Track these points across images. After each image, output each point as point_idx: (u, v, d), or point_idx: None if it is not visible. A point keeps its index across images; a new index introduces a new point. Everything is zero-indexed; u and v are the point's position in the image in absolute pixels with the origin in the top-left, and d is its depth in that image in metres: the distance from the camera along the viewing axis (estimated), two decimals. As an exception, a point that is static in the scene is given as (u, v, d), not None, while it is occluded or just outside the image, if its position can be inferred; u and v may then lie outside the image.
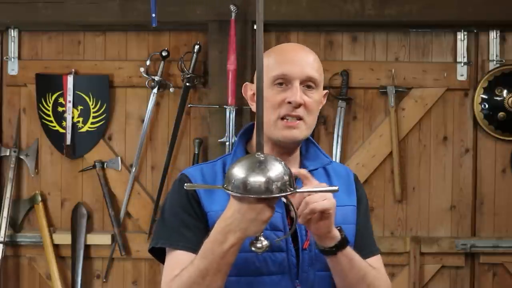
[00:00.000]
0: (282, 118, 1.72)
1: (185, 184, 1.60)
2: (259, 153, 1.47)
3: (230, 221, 1.51)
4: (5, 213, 4.00)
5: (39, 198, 4.07)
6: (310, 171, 1.75)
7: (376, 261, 1.83)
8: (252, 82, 1.76)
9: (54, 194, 4.12)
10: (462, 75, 3.96)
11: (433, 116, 4.01)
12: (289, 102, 1.71)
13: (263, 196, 1.44)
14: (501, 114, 3.95)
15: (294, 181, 1.49)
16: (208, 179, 1.76)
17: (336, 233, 1.63)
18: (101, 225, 4.11)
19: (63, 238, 4.05)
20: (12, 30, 4.08)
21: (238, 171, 1.45)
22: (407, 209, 4.01)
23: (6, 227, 3.99)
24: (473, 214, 4.01)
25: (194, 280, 1.58)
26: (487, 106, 3.96)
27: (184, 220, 1.72)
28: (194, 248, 1.65)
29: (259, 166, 1.45)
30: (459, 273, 4.00)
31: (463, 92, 3.99)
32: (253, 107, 1.75)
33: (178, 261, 1.67)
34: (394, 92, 3.93)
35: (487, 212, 4.00)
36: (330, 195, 1.59)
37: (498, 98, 3.96)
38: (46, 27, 4.08)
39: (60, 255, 4.08)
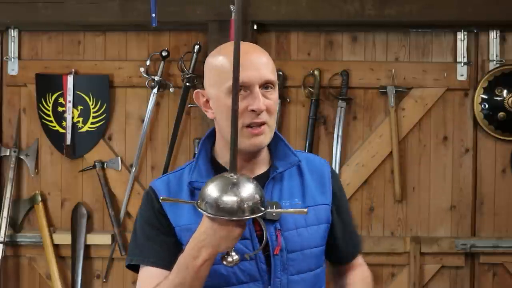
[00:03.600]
0: (247, 126, 1.68)
1: (160, 198, 1.63)
2: (232, 174, 1.52)
3: (203, 238, 1.54)
4: (5, 213, 4.00)
5: (39, 198, 4.07)
6: (280, 173, 1.75)
7: (360, 264, 1.90)
8: (203, 88, 1.75)
9: (54, 194, 4.12)
10: (462, 75, 3.96)
11: (433, 116, 4.01)
12: (253, 110, 1.66)
13: (234, 219, 1.49)
14: (501, 114, 3.95)
15: (264, 200, 1.53)
16: (173, 192, 1.74)
17: None
18: (101, 225, 4.12)
19: (63, 238, 4.05)
20: (12, 30, 4.08)
21: (212, 191, 1.51)
22: (407, 209, 4.01)
23: (6, 227, 4.00)
24: (473, 214, 4.01)
25: None
26: (487, 106, 3.96)
27: (152, 236, 1.73)
28: (163, 263, 1.68)
29: (232, 187, 1.50)
30: (459, 273, 4.00)
31: (463, 92, 3.99)
32: (208, 114, 1.75)
33: (150, 276, 1.74)
34: (394, 92, 3.93)
35: (487, 212, 4.00)
36: None
37: (498, 98, 3.96)
38: (46, 27, 4.08)
39: (60, 255, 4.08)
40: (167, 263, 1.65)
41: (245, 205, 1.50)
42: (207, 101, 1.74)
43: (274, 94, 1.71)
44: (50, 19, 3.97)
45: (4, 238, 3.99)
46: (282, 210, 1.67)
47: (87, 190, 4.12)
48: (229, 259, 1.55)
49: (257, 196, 1.51)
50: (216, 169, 1.75)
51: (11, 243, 4.07)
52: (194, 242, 1.56)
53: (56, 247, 4.05)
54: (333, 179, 1.84)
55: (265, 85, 1.69)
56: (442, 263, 3.98)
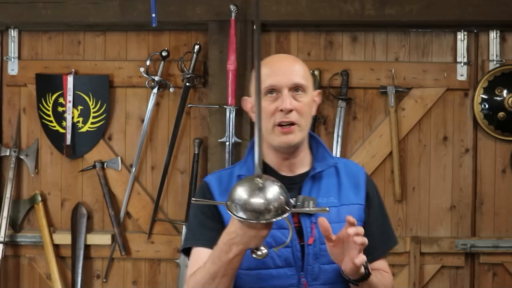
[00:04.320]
0: (278, 125, 1.89)
1: (192, 199, 1.86)
2: (258, 178, 1.66)
3: (233, 236, 1.71)
4: (5, 213, 4.00)
5: (39, 198, 4.07)
6: (319, 172, 1.95)
7: (384, 267, 2.00)
8: (249, 96, 2.00)
9: (54, 194, 4.12)
10: (462, 75, 3.96)
11: (433, 116, 4.01)
12: (281, 110, 1.88)
13: (261, 222, 1.64)
14: (501, 114, 3.95)
15: (289, 201, 1.68)
16: (223, 185, 1.95)
17: (362, 270, 1.80)
18: (101, 225, 4.12)
19: (63, 238, 4.05)
20: (12, 30, 4.08)
21: (240, 194, 1.66)
22: (407, 209, 4.01)
23: (6, 227, 3.99)
24: (473, 214, 4.01)
25: (205, 281, 1.79)
26: (487, 106, 3.96)
27: (204, 222, 1.94)
28: (212, 244, 1.81)
29: (259, 191, 1.64)
30: (459, 273, 4.00)
31: (463, 92, 4.00)
32: (252, 118, 1.92)
33: (199, 256, 1.89)
34: (394, 92, 3.93)
35: (487, 212, 4.00)
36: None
37: (498, 98, 3.96)
38: (46, 27, 4.08)
39: (60, 255, 4.08)
40: (214, 244, 1.82)
41: (271, 207, 1.64)
42: (252, 106, 1.96)
43: (304, 98, 1.92)
44: (50, 19, 3.97)
45: (4, 238, 3.99)
46: (306, 209, 1.84)
47: (87, 190, 4.12)
48: (259, 253, 1.69)
49: (281, 198, 1.65)
50: (263, 167, 1.91)
51: (11, 243, 4.07)
52: (226, 238, 1.73)
53: (56, 247, 4.05)
54: (368, 182, 2.02)
55: (295, 88, 1.91)
56: (442, 263, 3.98)
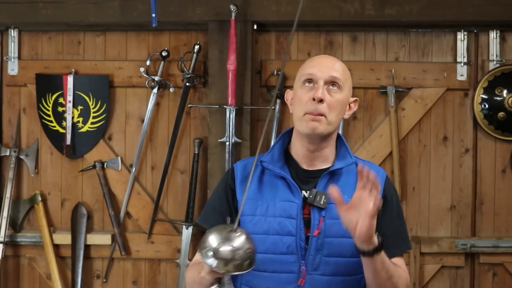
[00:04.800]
0: (308, 113, 1.99)
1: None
2: (230, 231, 1.80)
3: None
4: (5, 213, 4.00)
5: (39, 198, 4.07)
6: (337, 170, 2.05)
7: (397, 261, 2.02)
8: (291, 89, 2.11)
9: (54, 194, 4.12)
10: (462, 75, 3.96)
11: (433, 116, 4.01)
12: (313, 99, 1.97)
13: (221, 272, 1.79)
14: (501, 114, 3.95)
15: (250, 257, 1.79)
16: (248, 171, 2.06)
17: (375, 239, 1.84)
18: (101, 225, 4.12)
19: (63, 238, 4.05)
20: (12, 30, 4.08)
21: (210, 241, 1.78)
22: (407, 209, 4.01)
23: (6, 227, 3.99)
24: (473, 214, 4.01)
25: (190, 281, 1.99)
26: (487, 106, 3.96)
27: (216, 205, 2.09)
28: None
29: (228, 241, 1.78)
30: (459, 273, 4.00)
31: (463, 92, 4.00)
32: (290, 109, 2.09)
33: None
34: (394, 92, 3.93)
35: (487, 212, 4.00)
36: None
37: (498, 98, 3.96)
38: (46, 27, 4.08)
39: (60, 255, 4.08)
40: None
41: (237, 257, 1.77)
42: (292, 98, 2.08)
43: (338, 94, 2.02)
44: (50, 19, 3.97)
45: (4, 238, 3.99)
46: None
47: (87, 190, 4.12)
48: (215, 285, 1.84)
49: (248, 250, 1.79)
50: (286, 158, 2.08)
51: (11, 243, 4.07)
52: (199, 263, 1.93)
53: (56, 247, 4.05)
54: (386, 185, 2.07)
55: (331, 82, 2.01)
56: (442, 263, 3.98)
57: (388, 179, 2.10)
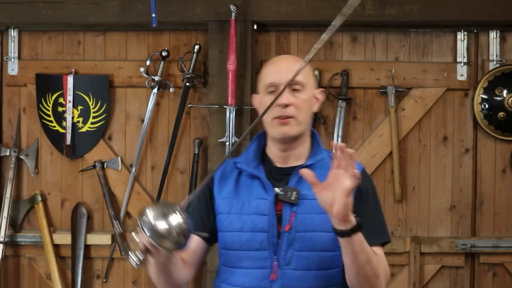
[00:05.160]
0: (276, 118, 2.03)
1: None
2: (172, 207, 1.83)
3: None
4: (5, 213, 4.00)
5: (39, 198, 4.07)
6: (309, 166, 2.06)
7: (376, 249, 2.00)
8: (257, 93, 2.16)
9: (54, 194, 4.12)
10: (462, 75, 3.96)
11: (433, 116, 4.01)
12: (279, 105, 2.00)
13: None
14: (501, 114, 3.95)
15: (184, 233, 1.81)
16: (227, 172, 2.13)
17: (353, 218, 1.82)
18: (101, 225, 4.12)
19: (63, 238, 4.05)
20: (12, 30, 4.08)
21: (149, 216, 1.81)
22: (407, 209, 4.01)
23: (6, 227, 3.99)
24: (473, 214, 4.01)
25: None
26: (487, 106, 3.96)
27: (194, 205, 2.10)
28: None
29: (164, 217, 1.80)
30: (459, 273, 4.00)
31: (463, 92, 4.00)
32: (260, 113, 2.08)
33: None
34: (394, 92, 3.93)
35: (487, 212, 4.00)
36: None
37: (498, 98, 3.96)
38: (46, 27, 4.08)
39: (60, 255, 4.08)
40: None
41: (172, 234, 1.79)
42: (260, 103, 2.12)
43: (302, 94, 2.05)
44: (50, 19, 3.97)
45: (4, 238, 3.99)
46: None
47: (87, 190, 4.12)
48: (134, 257, 1.83)
49: (183, 228, 1.81)
50: (263, 157, 2.13)
51: (11, 243, 4.07)
52: None
53: (56, 247, 4.05)
54: (362, 177, 1.99)
55: (294, 87, 2.03)
56: (442, 263, 3.98)
57: (365, 172, 2.09)
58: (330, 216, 1.82)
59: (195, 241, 2.07)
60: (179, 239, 1.80)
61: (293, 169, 2.07)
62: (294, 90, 2.04)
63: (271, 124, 2.05)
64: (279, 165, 2.11)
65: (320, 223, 1.95)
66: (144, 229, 1.79)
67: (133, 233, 1.86)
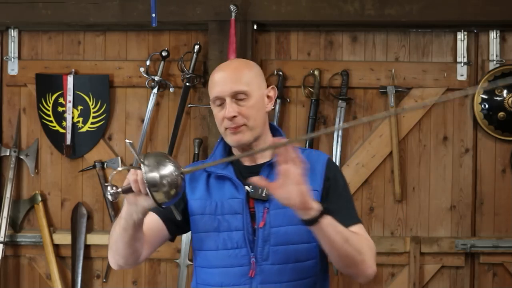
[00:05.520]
0: (228, 128, 2.08)
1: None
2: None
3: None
4: (5, 213, 4.00)
5: (39, 198, 4.07)
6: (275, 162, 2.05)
7: (354, 228, 2.04)
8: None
9: (54, 194, 4.12)
10: (462, 75, 3.96)
11: (433, 116, 4.01)
12: (226, 118, 2.06)
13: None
14: (501, 114, 3.95)
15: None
16: (196, 175, 2.16)
17: (316, 205, 1.85)
18: (101, 225, 4.12)
19: (63, 238, 4.05)
20: (12, 30, 4.09)
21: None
22: (407, 209, 4.01)
23: (6, 227, 3.99)
24: (473, 214, 4.01)
25: (114, 231, 2.15)
26: (487, 106, 3.96)
27: None
28: (159, 212, 2.09)
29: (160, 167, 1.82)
30: (459, 273, 4.00)
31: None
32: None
33: (147, 217, 2.05)
34: (394, 92, 3.93)
35: (487, 212, 4.00)
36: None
37: (498, 98, 3.96)
38: (46, 27, 4.08)
39: (60, 255, 4.08)
40: (162, 214, 2.10)
41: (164, 182, 1.80)
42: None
43: (248, 101, 2.07)
44: (50, 19, 3.97)
45: (4, 238, 3.99)
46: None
47: (87, 190, 4.12)
48: (111, 190, 1.88)
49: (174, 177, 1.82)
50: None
51: (11, 243, 4.07)
52: None
53: (56, 247, 4.05)
54: (328, 167, 2.13)
55: (238, 96, 2.06)
56: (442, 263, 3.98)
57: (331, 161, 2.15)
58: (294, 210, 1.85)
59: (158, 223, 2.11)
60: (169, 195, 1.79)
61: (261, 167, 2.11)
62: (239, 99, 2.06)
63: (224, 134, 2.10)
64: (247, 163, 2.14)
65: (293, 216, 1.95)
66: (145, 167, 1.78)
67: (121, 167, 1.87)
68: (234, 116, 2.06)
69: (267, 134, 2.15)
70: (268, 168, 2.10)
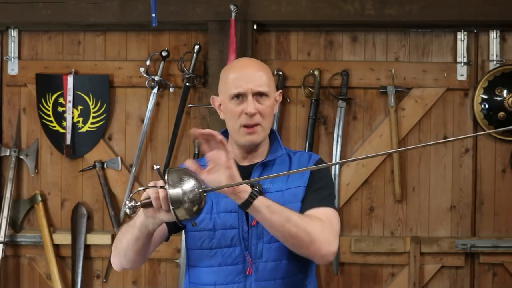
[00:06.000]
0: (244, 126, 2.12)
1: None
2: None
3: None
4: (5, 213, 4.00)
5: (39, 198, 4.07)
6: (270, 160, 2.18)
7: (315, 212, 2.06)
8: (217, 95, 2.22)
9: (54, 194, 4.12)
10: (462, 75, 3.96)
11: (433, 116, 4.01)
12: (246, 113, 2.10)
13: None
14: (501, 114, 3.95)
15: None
16: None
17: (247, 187, 1.91)
18: (101, 225, 4.12)
19: (63, 238, 4.05)
20: (12, 30, 4.09)
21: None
22: (407, 209, 4.01)
23: (6, 227, 3.99)
24: (473, 214, 4.01)
25: (123, 231, 2.11)
26: (487, 106, 3.96)
27: None
28: None
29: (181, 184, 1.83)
30: (459, 273, 4.00)
31: (463, 92, 4.00)
32: (221, 116, 2.21)
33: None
34: (394, 92, 3.93)
35: (487, 212, 4.00)
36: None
37: (498, 98, 3.96)
38: (46, 27, 4.08)
39: (60, 255, 4.08)
40: None
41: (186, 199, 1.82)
42: (220, 105, 2.20)
43: (267, 101, 2.13)
44: (50, 19, 3.97)
45: (4, 238, 3.99)
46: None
47: (87, 190, 4.12)
48: (130, 203, 1.86)
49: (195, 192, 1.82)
50: None
51: (11, 243, 4.07)
52: None
53: (56, 247, 4.05)
54: (316, 164, 2.19)
55: (259, 93, 2.11)
56: (442, 263, 3.98)
57: (320, 160, 2.23)
58: (227, 196, 1.91)
59: (163, 228, 2.13)
60: (191, 212, 1.80)
61: (254, 166, 2.16)
62: (260, 97, 2.12)
63: (238, 132, 2.13)
64: (241, 164, 2.17)
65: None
66: (169, 182, 1.81)
67: (144, 187, 1.91)
68: (254, 114, 2.10)
69: (267, 136, 2.22)
70: (261, 167, 2.16)
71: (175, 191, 1.80)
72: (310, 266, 2.17)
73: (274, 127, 3.92)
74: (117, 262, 2.18)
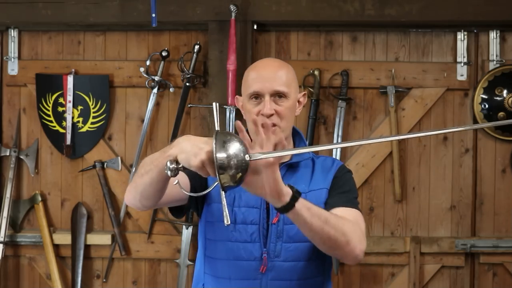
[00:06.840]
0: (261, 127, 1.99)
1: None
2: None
3: (182, 140, 1.81)
4: (5, 213, 4.00)
5: (39, 198, 4.07)
6: (294, 163, 2.15)
7: (341, 211, 2.01)
8: (240, 95, 2.19)
9: (54, 194, 4.12)
10: (462, 75, 3.96)
11: (433, 116, 4.01)
12: (262, 114, 2.07)
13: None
14: (501, 114, 3.95)
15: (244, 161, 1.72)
16: None
17: (288, 189, 1.81)
18: (101, 225, 4.12)
19: (63, 238, 4.05)
20: (12, 30, 4.09)
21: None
22: (407, 209, 4.01)
23: (6, 227, 4.00)
24: (473, 214, 4.01)
25: (149, 161, 1.94)
26: (487, 106, 3.96)
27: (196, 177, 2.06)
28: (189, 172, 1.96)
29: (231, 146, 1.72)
30: (459, 273, 4.00)
31: (463, 92, 4.00)
32: (244, 116, 2.17)
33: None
34: (394, 92, 3.94)
35: (487, 212, 4.00)
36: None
37: (498, 98, 3.96)
38: (46, 27, 4.08)
39: (60, 255, 4.08)
40: (192, 178, 2.05)
41: (231, 162, 1.70)
42: (242, 105, 2.17)
43: (285, 102, 2.09)
44: (50, 19, 3.97)
45: (4, 238, 3.99)
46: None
47: (87, 190, 4.12)
48: (172, 166, 1.74)
49: (240, 154, 1.72)
50: None
51: (11, 243, 4.07)
52: (174, 143, 1.83)
53: (56, 247, 4.05)
54: (338, 170, 2.17)
55: (277, 94, 2.09)
56: (442, 263, 3.98)
57: (343, 166, 2.19)
58: (267, 199, 1.81)
59: (185, 179, 2.04)
60: (233, 180, 1.70)
61: (280, 165, 2.10)
62: (278, 98, 2.09)
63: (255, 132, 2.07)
64: None
65: None
66: (216, 147, 1.69)
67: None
68: (271, 114, 2.07)
69: (289, 136, 2.18)
70: (285, 168, 2.13)
71: (221, 155, 1.68)
72: (328, 269, 2.15)
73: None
74: (131, 197, 2.04)
